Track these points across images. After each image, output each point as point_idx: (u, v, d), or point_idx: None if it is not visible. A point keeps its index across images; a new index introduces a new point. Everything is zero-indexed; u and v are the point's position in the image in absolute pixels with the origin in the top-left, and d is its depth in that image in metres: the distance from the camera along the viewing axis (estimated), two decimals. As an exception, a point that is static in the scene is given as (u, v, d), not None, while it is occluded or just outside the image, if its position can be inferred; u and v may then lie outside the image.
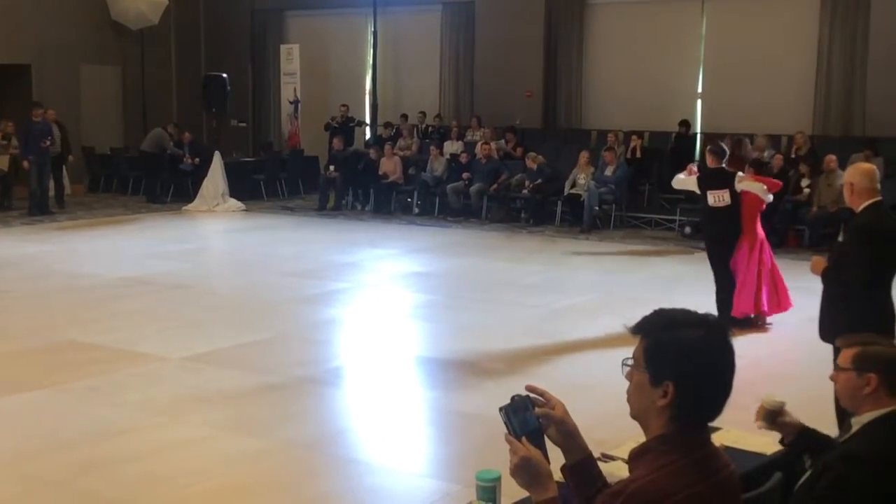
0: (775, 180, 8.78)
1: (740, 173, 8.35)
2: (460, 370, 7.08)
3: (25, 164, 15.24)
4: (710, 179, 8.40)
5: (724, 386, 1.99)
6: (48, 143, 15.29)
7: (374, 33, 18.53)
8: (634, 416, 2.06)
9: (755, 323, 8.29)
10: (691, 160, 15.93)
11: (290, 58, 19.74)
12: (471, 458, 5.21)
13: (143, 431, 5.73)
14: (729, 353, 1.99)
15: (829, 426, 4.89)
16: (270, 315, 8.85)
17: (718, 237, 8.46)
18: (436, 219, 15.40)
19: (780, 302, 8.28)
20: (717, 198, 8.26)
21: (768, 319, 8.36)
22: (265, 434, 5.72)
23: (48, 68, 18.37)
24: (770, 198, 8.40)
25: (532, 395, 2.17)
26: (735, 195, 8.20)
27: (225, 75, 17.40)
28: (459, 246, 13.04)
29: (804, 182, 13.01)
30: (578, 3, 17.17)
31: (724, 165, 8.40)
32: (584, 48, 17.30)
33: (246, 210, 16.44)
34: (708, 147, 8.67)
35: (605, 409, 5.17)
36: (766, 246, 8.38)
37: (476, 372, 7.01)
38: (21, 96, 17.42)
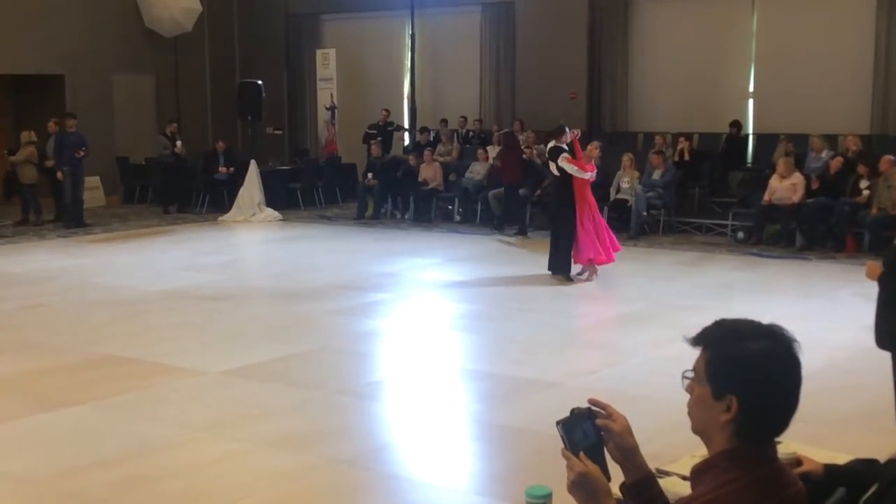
0: (587, 165, 10.71)
1: (564, 154, 10.56)
2: (505, 383, 7.08)
3: (59, 175, 15.51)
4: (550, 152, 10.88)
5: (789, 400, 1.98)
6: (83, 153, 15.55)
7: (412, 36, 18.63)
8: (696, 430, 2.06)
9: (583, 272, 10.78)
10: (744, 162, 15.91)
11: (326, 63, 19.89)
12: (518, 474, 5.23)
13: (182, 447, 5.81)
14: (795, 365, 1.98)
15: (889, 439, 4.84)
16: (309, 327, 8.92)
17: (555, 203, 11.16)
18: (478, 226, 15.42)
19: (606, 253, 10.74)
20: (553, 168, 10.77)
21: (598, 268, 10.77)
22: (306, 449, 5.77)
23: (81, 78, 18.67)
24: (587, 175, 10.58)
25: (594, 408, 2.18)
26: (560, 169, 10.55)
27: (260, 82, 17.59)
28: (502, 254, 13.04)
29: (863, 184, 12.86)
30: (623, 1, 17.14)
31: (554, 142, 10.81)
32: (630, 47, 17.25)
33: (282, 220, 16.59)
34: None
35: (658, 423, 5.16)
36: (596, 210, 10.87)
37: (522, 384, 7.01)
38: (55, 106, 17.71)
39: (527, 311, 9.49)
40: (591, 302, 10.14)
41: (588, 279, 10.87)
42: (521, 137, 16.93)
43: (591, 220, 10.65)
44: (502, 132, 16.04)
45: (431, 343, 8.48)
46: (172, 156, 17.63)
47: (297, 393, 6.91)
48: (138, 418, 6.34)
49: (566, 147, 10.74)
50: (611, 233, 11.03)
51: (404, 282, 11.19)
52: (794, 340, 2.00)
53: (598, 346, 8.20)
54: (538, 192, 15.20)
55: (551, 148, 10.95)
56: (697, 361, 2.04)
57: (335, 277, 11.32)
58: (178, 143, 17.61)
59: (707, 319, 2.11)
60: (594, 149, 11.15)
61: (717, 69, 16.40)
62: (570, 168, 10.54)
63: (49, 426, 6.23)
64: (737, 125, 15.73)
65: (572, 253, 10.76)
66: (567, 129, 10.86)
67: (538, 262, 12.19)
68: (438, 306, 10.01)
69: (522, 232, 14.61)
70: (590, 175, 10.66)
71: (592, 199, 10.82)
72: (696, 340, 2.05)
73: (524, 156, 15.29)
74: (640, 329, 8.64)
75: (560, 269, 10.85)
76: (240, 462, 5.59)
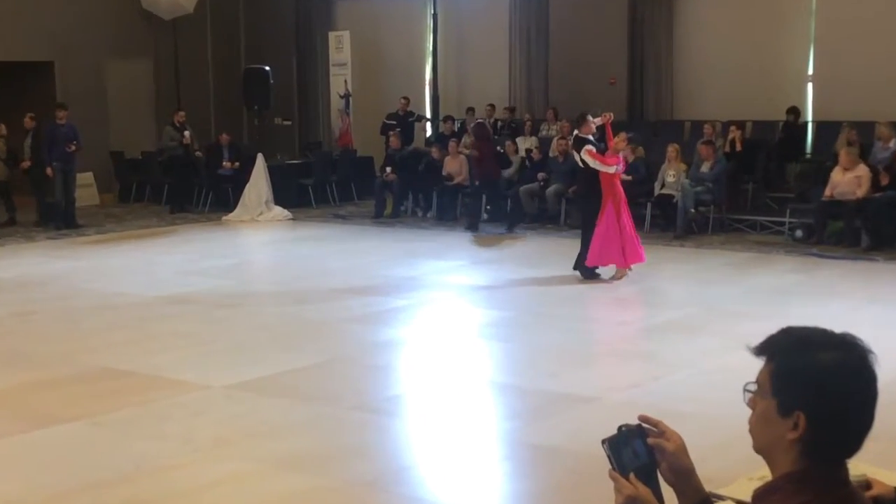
0: (611, 158, 10.78)
1: (588, 145, 10.83)
2: (538, 397, 7.08)
3: (49, 171, 15.60)
4: (574, 143, 11.27)
5: (864, 417, 1.95)
6: (74, 147, 15.65)
7: (435, 16, 18.65)
8: (758, 449, 2.05)
9: (597, 275, 11.00)
10: (802, 153, 15.81)
11: (340, 46, 19.94)
12: (553, 497, 5.23)
13: (185, 468, 5.84)
14: (870, 378, 1.96)
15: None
16: (323, 337, 8.96)
17: (581, 197, 11.83)
18: (506, 225, 15.42)
19: (635, 254, 10.90)
20: (577, 159, 11.10)
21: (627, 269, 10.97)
22: (319, 471, 5.80)
23: (72, 65, 18.81)
24: (611, 169, 10.70)
25: (645, 425, 2.17)
26: (584, 160, 10.86)
27: (267, 68, 17.66)
28: (535, 256, 13.03)
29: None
30: (667, -24, 17.10)
31: (576, 132, 11.21)
32: (675, 27, 17.18)
33: (293, 219, 16.65)
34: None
35: (709, 442, 5.15)
36: (625, 207, 10.92)
37: (556, 399, 7.01)
38: (43, 96, 17.84)
39: (562, 318, 9.48)
40: (632, 308, 10.11)
41: (618, 278, 10.99)
42: (554, 127, 16.95)
43: (618, 219, 10.73)
44: (473, 123, 16.32)
45: (456, 353, 8.49)
46: (181, 148, 17.70)
47: (309, 409, 6.93)
48: (137, 436, 6.38)
49: (591, 137, 11.00)
50: (635, 240, 11.06)
51: (426, 286, 11.21)
52: (870, 351, 1.98)
53: (641, 356, 8.18)
54: (573, 187, 15.18)
55: (575, 138, 11.25)
56: (761, 373, 2.02)
57: (350, 282, 11.35)
58: (187, 132, 17.66)
59: (762, 326, 2.11)
60: (621, 141, 11.11)
61: (773, 50, 16.31)
62: (592, 162, 10.75)
63: (41, 444, 6.28)
64: (794, 112, 15.63)
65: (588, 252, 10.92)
66: (590, 117, 11.09)
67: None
68: (464, 313, 10.03)
69: (510, 228, 15.03)
70: (615, 169, 10.80)
71: (622, 195, 10.96)
72: (761, 350, 2.03)
73: (498, 147, 15.96)
74: (687, 338, 8.62)
75: (585, 267, 11.04)
76: (246, 484, 5.62)
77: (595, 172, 10.79)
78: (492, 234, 14.73)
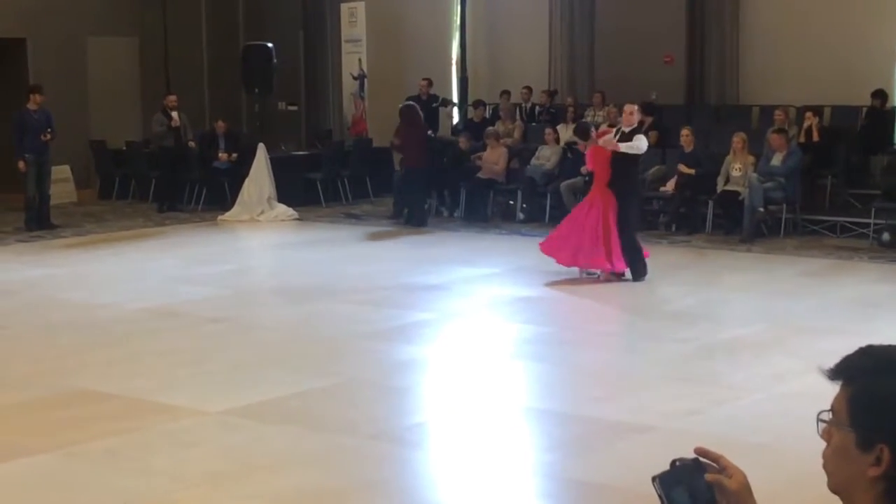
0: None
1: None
2: (583, 426, 7.08)
3: (21, 164, 15.65)
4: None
5: None
6: (48, 135, 15.70)
7: (463, -15, 18.69)
8: (835, 488, 2.04)
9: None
10: (890, 144, 15.71)
11: (354, 20, 19.98)
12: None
13: (175, 506, 5.88)
14: None
15: None
16: (335, 355, 8.97)
17: None
18: (546, 226, 15.40)
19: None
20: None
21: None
22: (331, 510, 5.82)
23: (48, 42, 18.91)
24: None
25: (702, 459, 2.17)
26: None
27: (270, 45, 17.71)
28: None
29: None
30: (733, -62, 17.07)
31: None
32: (741, -3, 17.17)
33: (298, 219, 16.70)
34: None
35: (777, 478, 5.13)
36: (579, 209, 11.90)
37: (604, 428, 7.00)
38: (14, 78, 17.95)
39: (608, 335, 9.48)
40: (691, 323, 10.07)
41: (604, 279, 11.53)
42: (600, 114, 16.92)
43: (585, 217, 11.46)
44: (402, 105, 16.53)
45: (488, 375, 8.48)
46: (171, 134, 17.70)
47: (319, 438, 6.95)
48: (120, 470, 6.41)
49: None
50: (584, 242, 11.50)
51: (453, 297, 11.22)
52: None
53: (701, 379, 8.16)
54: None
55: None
56: (836, 400, 2.02)
57: (365, 291, 11.37)
58: (175, 114, 17.64)
59: (842, 345, 2.10)
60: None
61: (856, 23, 16.22)
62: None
63: (8, 479, 6.30)
64: (881, 96, 15.55)
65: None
66: (633, 106, 12.09)
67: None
68: (496, 328, 10.03)
69: (421, 223, 15.75)
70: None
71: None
72: (836, 373, 2.02)
73: (429, 132, 16.50)
74: (755, 358, 8.60)
75: (635, 271, 11.48)
76: (247, 525, 5.64)
77: (619, 162, 11.41)
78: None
